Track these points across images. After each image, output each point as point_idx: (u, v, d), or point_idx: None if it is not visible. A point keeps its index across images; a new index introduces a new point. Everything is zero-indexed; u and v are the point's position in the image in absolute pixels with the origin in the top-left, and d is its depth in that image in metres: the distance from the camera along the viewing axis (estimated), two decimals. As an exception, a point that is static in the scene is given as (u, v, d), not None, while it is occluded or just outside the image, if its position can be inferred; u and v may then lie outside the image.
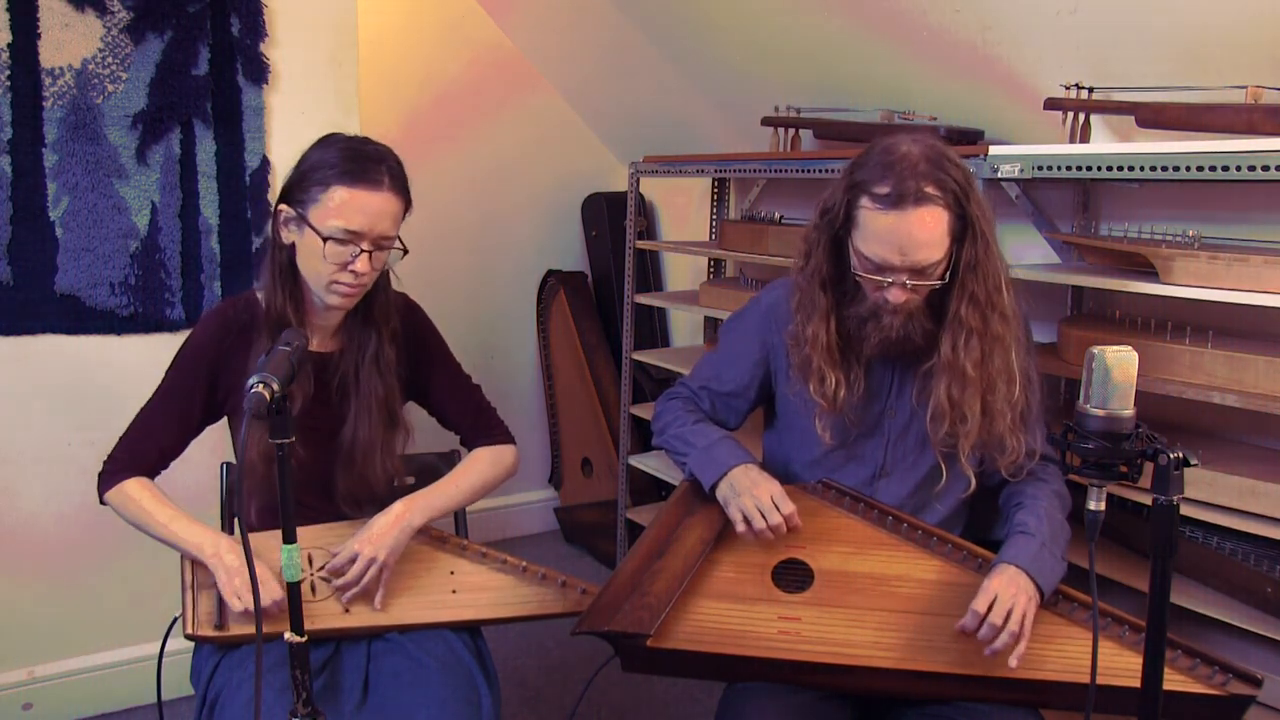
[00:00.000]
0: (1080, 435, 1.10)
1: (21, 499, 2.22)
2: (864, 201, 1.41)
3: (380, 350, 1.62)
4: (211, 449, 1.73)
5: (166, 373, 1.60)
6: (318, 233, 1.47)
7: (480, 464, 1.73)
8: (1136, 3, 1.74)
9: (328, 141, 1.53)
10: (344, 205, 1.46)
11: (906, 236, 1.37)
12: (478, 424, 1.77)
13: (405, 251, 1.55)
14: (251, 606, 1.39)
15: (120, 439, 1.59)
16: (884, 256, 1.40)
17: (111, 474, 1.57)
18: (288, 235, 1.53)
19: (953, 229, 1.40)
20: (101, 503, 1.58)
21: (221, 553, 1.48)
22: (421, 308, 1.76)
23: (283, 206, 1.52)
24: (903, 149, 1.39)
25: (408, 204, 1.55)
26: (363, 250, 1.48)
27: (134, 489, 1.55)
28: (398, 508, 1.59)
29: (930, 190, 1.37)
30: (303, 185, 1.49)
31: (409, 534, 1.58)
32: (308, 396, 1.56)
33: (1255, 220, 1.85)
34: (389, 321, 1.63)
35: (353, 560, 1.52)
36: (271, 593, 1.45)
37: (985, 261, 1.42)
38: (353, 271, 1.49)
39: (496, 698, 1.51)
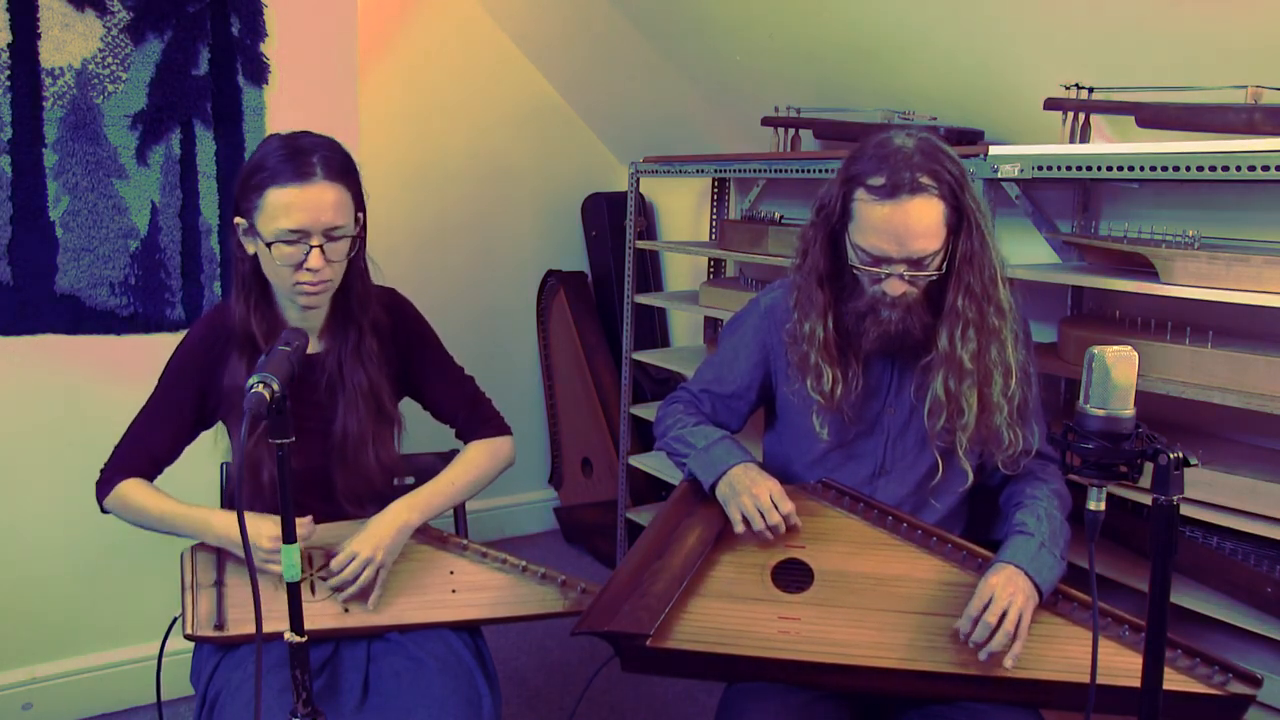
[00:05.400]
0: (1080, 435, 1.10)
1: (22, 499, 2.22)
2: (860, 194, 1.41)
3: (361, 341, 1.61)
4: (211, 450, 1.73)
5: (158, 381, 1.61)
6: (264, 239, 1.45)
7: (476, 458, 1.72)
8: (1136, 3, 1.74)
9: (264, 144, 1.51)
10: (280, 206, 1.44)
11: (903, 226, 1.38)
12: (473, 416, 1.76)
13: (363, 233, 1.53)
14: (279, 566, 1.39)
15: (115, 449, 1.60)
16: (881, 248, 1.41)
17: (107, 481, 1.58)
18: (249, 246, 1.51)
19: (948, 220, 1.41)
20: (103, 511, 1.59)
21: (228, 530, 1.50)
22: (409, 300, 1.74)
23: (238, 219, 1.50)
24: (897, 142, 1.41)
25: (353, 189, 1.51)
26: (313, 246, 1.45)
27: (129, 489, 1.56)
28: (395, 508, 1.59)
29: (925, 180, 1.38)
30: (246, 194, 1.47)
31: (407, 534, 1.58)
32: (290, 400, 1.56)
33: (1255, 220, 1.85)
34: (368, 312, 1.61)
35: (350, 560, 1.52)
36: (268, 531, 1.47)
37: (981, 254, 1.43)
38: (309, 270, 1.46)
39: (496, 698, 1.51)
